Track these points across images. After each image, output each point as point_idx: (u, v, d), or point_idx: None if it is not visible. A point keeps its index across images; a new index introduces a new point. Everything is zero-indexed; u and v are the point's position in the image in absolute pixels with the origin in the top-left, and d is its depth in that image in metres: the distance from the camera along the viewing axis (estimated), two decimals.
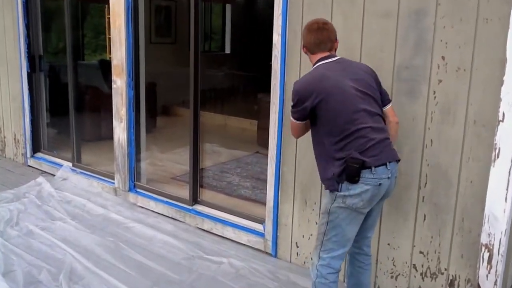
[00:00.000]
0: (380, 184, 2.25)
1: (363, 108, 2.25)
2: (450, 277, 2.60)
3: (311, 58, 2.42)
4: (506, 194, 2.35)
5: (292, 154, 3.13)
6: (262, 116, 5.93)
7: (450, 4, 2.40)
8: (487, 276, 2.46)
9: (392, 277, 2.81)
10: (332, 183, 2.30)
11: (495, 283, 2.44)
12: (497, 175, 2.36)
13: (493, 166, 2.37)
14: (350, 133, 2.23)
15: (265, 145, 5.95)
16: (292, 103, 2.35)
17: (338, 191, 2.28)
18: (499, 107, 2.31)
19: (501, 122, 2.32)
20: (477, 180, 2.44)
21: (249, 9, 9.11)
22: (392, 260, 2.80)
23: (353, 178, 2.23)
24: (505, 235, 2.39)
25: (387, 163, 2.25)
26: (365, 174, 2.22)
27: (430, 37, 2.47)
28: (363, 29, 2.70)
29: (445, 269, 2.61)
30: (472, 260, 2.52)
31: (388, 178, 2.27)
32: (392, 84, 2.64)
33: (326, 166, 2.34)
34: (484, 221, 2.44)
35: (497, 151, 2.34)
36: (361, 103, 2.25)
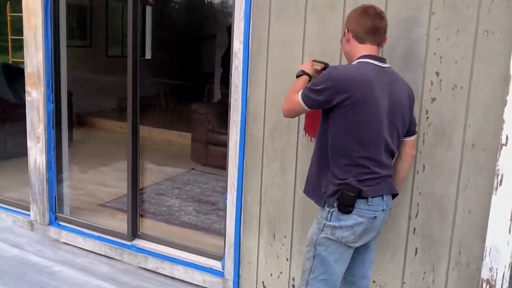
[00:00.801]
0: (375, 217, 1.95)
1: (385, 140, 1.93)
2: None
3: (353, 49, 1.99)
4: (510, 225, 2.13)
5: (257, 181, 2.71)
6: (197, 129, 5.45)
7: (446, 13, 2.13)
8: None
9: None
10: (320, 200, 2.00)
11: None
12: (499, 204, 2.13)
13: (495, 194, 2.14)
14: (358, 157, 1.91)
15: (200, 161, 5.54)
16: (315, 85, 1.93)
17: (326, 219, 1.96)
18: (502, 129, 2.08)
19: (504, 146, 2.09)
20: (476, 210, 2.20)
21: (172, 10, 8.53)
22: (375, 282, 2.49)
23: (346, 208, 1.91)
24: (508, 269, 2.17)
25: (383, 195, 1.96)
26: (360, 204, 1.91)
27: (423, 50, 2.19)
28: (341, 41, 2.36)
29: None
30: None
31: (383, 211, 1.97)
32: None
33: (320, 176, 2.01)
34: (485, 254, 2.20)
35: (499, 177, 2.11)
36: (385, 133, 1.93)
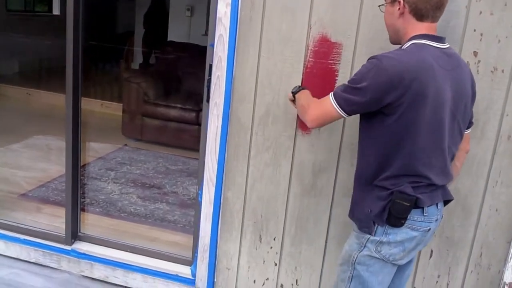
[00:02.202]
0: (429, 229, 1.61)
1: (447, 141, 1.56)
2: None
3: (407, 25, 1.55)
4: None
5: (242, 174, 2.25)
6: (130, 101, 4.76)
7: None
8: None
9: None
10: (366, 224, 1.60)
11: None
12: None
13: None
14: (416, 165, 1.53)
15: (134, 136, 4.85)
16: (356, 82, 1.51)
17: (371, 234, 1.59)
18: None
19: None
20: (504, 209, 1.98)
21: None
22: None
23: (398, 221, 1.55)
24: None
25: (438, 203, 1.62)
26: (414, 215, 1.56)
27: (461, 25, 1.85)
28: (362, 7, 1.94)
29: None
30: None
31: (436, 220, 1.64)
32: None
33: (362, 197, 1.62)
34: (509, 257, 2.00)
35: None
36: (447, 134, 1.55)
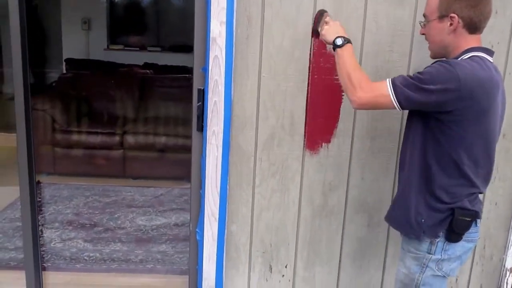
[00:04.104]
0: (479, 238, 1.64)
1: (494, 154, 1.58)
2: None
3: (460, 40, 1.52)
4: None
5: (247, 205, 2.07)
6: (37, 130, 4.14)
7: None
8: None
9: None
10: (415, 232, 1.58)
11: None
12: None
13: None
14: (472, 175, 1.54)
15: (46, 170, 4.18)
16: (425, 82, 1.44)
17: (429, 253, 1.58)
18: None
19: None
20: (502, 202, 2.12)
21: None
22: None
23: (459, 237, 1.57)
24: None
25: None
26: (471, 228, 1.58)
27: None
28: (365, 20, 1.90)
29: None
30: None
31: None
32: None
33: (412, 203, 1.58)
34: (509, 244, 2.16)
35: None
36: (495, 144, 1.55)
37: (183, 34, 4.74)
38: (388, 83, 1.50)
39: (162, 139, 4.29)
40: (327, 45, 1.83)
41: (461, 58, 1.51)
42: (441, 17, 1.53)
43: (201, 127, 2.01)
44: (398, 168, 1.97)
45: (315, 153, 2.03)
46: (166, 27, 5.07)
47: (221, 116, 1.95)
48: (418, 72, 1.50)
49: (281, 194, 2.07)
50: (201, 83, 1.97)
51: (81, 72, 4.71)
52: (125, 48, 4.91)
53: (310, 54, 1.92)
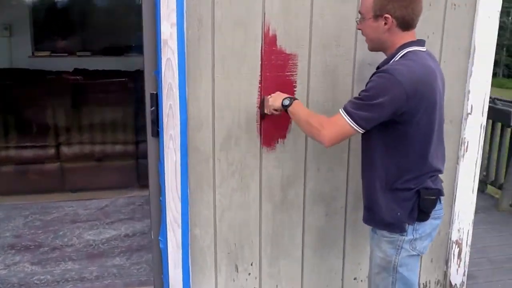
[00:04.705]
0: (444, 214, 1.78)
1: (443, 131, 1.67)
2: (421, 286, 2.40)
3: (394, 38, 1.61)
4: (473, 186, 2.30)
5: (208, 206, 2.06)
6: None
7: None
8: (457, 270, 2.40)
9: None
10: (398, 226, 1.67)
11: (464, 274, 2.42)
12: (465, 169, 2.27)
13: (462, 160, 2.25)
14: (430, 162, 1.67)
15: None
16: (370, 99, 1.52)
17: (402, 235, 1.68)
18: (468, 99, 2.17)
19: (469, 115, 2.19)
20: (445, 180, 2.24)
21: None
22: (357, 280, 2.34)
23: (427, 216, 1.68)
24: (472, 225, 2.36)
25: None
26: (437, 205, 1.70)
27: None
28: (312, 16, 1.95)
29: None
30: (441, 261, 2.39)
31: None
32: (353, 86, 2.06)
33: (385, 203, 1.67)
34: (453, 218, 2.33)
35: (465, 145, 2.23)
36: (443, 126, 1.66)
37: (114, 36, 4.58)
38: (342, 113, 1.58)
39: (101, 148, 4.12)
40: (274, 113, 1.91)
41: (396, 58, 1.60)
42: (376, 16, 1.61)
43: (157, 132, 1.97)
44: (354, 159, 2.08)
45: (272, 149, 2.06)
46: (94, 30, 4.86)
47: (177, 119, 1.92)
48: (363, 90, 1.59)
49: (241, 192, 2.08)
50: (153, 87, 1.93)
51: (4, 83, 4.39)
52: (52, 54, 4.64)
53: (261, 52, 1.94)
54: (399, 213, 1.64)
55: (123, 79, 4.42)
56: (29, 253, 2.94)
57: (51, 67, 4.45)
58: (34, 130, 4.12)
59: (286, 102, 1.78)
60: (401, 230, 1.66)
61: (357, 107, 1.55)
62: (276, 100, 1.84)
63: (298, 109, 1.75)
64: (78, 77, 4.54)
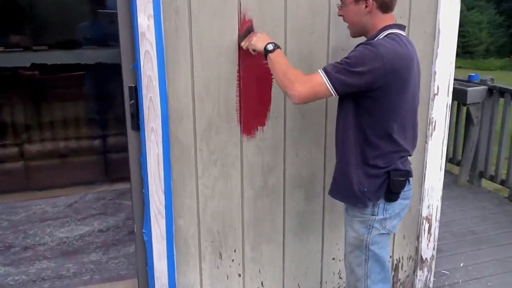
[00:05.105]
0: (412, 195, 1.86)
1: (416, 115, 1.77)
2: (395, 262, 2.52)
3: (375, 20, 1.68)
4: (441, 163, 2.43)
5: (191, 196, 2.08)
6: None
7: None
8: (427, 245, 2.53)
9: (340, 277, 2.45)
10: (361, 201, 1.75)
11: (434, 248, 2.56)
12: (433, 148, 2.38)
13: (431, 139, 2.37)
14: (401, 140, 1.75)
15: None
16: (352, 66, 1.58)
17: (372, 214, 1.76)
18: (434, 80, 2.28)
19: (436, 96, 2.31)
20: (415, 160, 2.36)
21: None
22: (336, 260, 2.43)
23: (396, 196, 1.77)
24: (440, 201, 2.50)
25: None
26: (406, 186, 1.79)
27: None
28: (286, 3, 1.99)
29: (390, 257, 2.50)
30: (412, 237, 2.52)
31: None
32: None
33: (352, 176, 1.74)
34: (423, 195, 2.45)
35: (433, 124, 2.34)
36: (417, 109, 1.74)
37: (71, 29, 4.43)
38: (321, 72, 1.63)
39: (65, 144, 4.03)
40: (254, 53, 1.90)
41: (379, 37, 1.67)
42: (357, 0, 1.68)
43: (137, 125, 1.95)
44: (330, 143, 2.14)
45: (252, 137, 2.09)
46: (50, 23, 4.68)
47: (158, 111, 1.92)
48: (345, 57, 1.65)
49: (223, 181, 2.11)
50: (132, 80, 1.92)
51: None
52: (7, 49, 4.44)
53: (238, 41, 1.96)
54: (365, 189, 1.72)
55: (83, 73, 4.31)
56: None
57: (6, 63, 4.27)
58: None
59: (270, 48, 1.75)
60: (364, 205, 1.74)
61: (337, 70, 1.60)
62: (259, 40, 1.81)
63: (278, 58, 1.74)
64: (35, 72, 4.38)
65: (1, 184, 3.74)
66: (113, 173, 4.00)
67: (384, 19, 1.70)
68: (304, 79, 1.65)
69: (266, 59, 1.79)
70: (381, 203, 1.75)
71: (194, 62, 1.93)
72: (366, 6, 1.67)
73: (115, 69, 4.34)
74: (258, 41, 1.82)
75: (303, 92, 1.63)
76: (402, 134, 1.74)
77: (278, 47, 1.78)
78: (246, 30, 1.94)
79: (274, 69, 1.74)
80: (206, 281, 2.21)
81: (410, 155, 1.82)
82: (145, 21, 1.81)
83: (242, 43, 1.92)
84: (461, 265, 2.94)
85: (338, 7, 1.83)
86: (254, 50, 1.85)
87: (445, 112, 2.34)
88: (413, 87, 1.72)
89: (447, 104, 2.33)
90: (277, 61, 1.74)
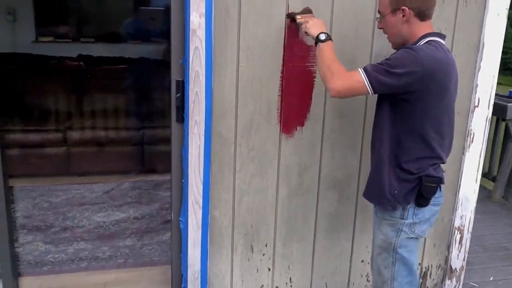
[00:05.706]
0: (443, 202, 1.88)
1: (453, 122, 1.81)
2: (424, 270, 2.53)
3: (414, 29, 1.72)
4: (477, 176, 2.42)
5: (228, 190, 2.15)
6: None
7: None
8: (458, 255, 2.53)
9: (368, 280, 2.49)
10: (391, 204, 1.78)
11: (464, 259, 2.55)
12: (470, 159, 2.38)
13: (468, 151, 2.37)
14: (436, 147, 1.76)
15: None
16: (393, 67, 1.62)
17: (402, 218, 1.78)
18: (476, 92, 2.29)
19: (476, 108, 2.31)
20: (450, 169, 2.39)
21: None
22: (365, 262, 2.46)
23: (427, 202, 1.79)
24: (474, 213, 2.49)
25: None
26: (437, 193, 1.81)
27: None
28: (333, 8, 2.04)
29: (419, 264, 2.51)
30: (443, 246, 2.52)
31: None
32: None
33: (384, 178, 1.77)
34: (457, 206, 2.45)
35: (472, 136, 2.35)
36: (454, 116, 1.78)
37: (119, 23, 4.60)
38: (360, 70, 1.67)
39: (105, 133, 4.18)
40: (303, 36, 1.96)
41: (420, 44, 1.70)
42: (394, 11, 1.72)
43: (181, 118, 2.04)
44: (367, 147, 2.18)
45: (290, 136, 2.15)
46: (99, 16, 4.87)
47: (202, 105, 2.00)
48: (386, 59, 1.68)
49: (260, 178, 2.17)
50: (179, 75, 2.01)
51: (7, 67, 4.39)
52: (56, 40, 4.64)
53: (284, 43, 2.03)
54: (396, 191, 1.75)
55: (126, 66, 4.46)
56: (40, 233, 3.01)
57: (55, 53, 4.46)
58: (38, 115, 4.14)
59: (322, 37, 1.79)
60: (393, 208, 1.77)
61: (376, 70, 1.64)
62: (315, 26, 1.84)
63: (327, 49, 1.77)
64: (81, 63, 4.56)
65: (43, 167, 3.92)
66: (149, 165, 4.12)
67: (423, 28, 1.73)
68: (345, 75, 1.70)
69: (316, 46, 1.83)
70: (411, 207, 1.77)
71: (240, 60, 2.00)
72: (403, 16, 1.71)
73: (157, 64, 4.48)
74: (313, 26, 1.85)
75: (341, 86, 1.68)
76: (439, 141, 1.76)
77: (330, 39, 1.81)
78: (306, 9, 1.97)
79: (321, 59, 1.77)
80: (237, 272, 2.28)
81: (443, 162, 1.84)
82: (197, 18, 1.90)
83: (298, 17, 1.93)
84: (491, 279, 2.91)
85: (377, 20, 1.87)
86: (306, 33, 1.89)
87: (484, 125, 2.34)
88: (451, 94, 1.75)
89: (487, 117, 2.33)
90: (326, 52, 1.77)
